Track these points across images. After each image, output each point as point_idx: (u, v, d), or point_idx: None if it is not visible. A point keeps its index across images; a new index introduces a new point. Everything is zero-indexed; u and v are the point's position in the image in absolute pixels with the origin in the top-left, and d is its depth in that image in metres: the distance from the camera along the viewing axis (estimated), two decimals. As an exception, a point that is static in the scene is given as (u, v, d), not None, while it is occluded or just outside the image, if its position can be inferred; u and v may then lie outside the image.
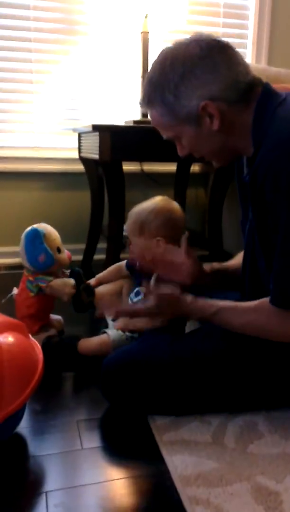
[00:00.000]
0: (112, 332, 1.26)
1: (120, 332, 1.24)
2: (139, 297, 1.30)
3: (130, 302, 1.33)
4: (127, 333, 1.25)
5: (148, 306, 1.07)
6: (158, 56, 0.97)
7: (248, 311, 0.99)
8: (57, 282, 1.33)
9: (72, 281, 1.34)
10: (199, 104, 0.92)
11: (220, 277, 1.22)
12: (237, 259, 1.23)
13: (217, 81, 0.91)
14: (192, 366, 1.05)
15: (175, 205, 1.32)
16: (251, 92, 0.93)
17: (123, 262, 1.44)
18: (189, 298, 1.06)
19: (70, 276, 1.37)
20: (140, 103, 1.04)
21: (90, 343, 1.27)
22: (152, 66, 0.98)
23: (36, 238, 1.32)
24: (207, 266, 1.21)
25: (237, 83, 0.92)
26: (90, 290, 1.37)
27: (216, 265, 1.24)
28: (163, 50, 0.97)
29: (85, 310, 1.35)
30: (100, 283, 1.43)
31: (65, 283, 1.33)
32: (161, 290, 1.08)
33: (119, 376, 1.06)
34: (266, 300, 0.95)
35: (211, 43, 0.93)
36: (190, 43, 0.93)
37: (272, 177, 0.87)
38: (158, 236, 1.24)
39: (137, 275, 1.36)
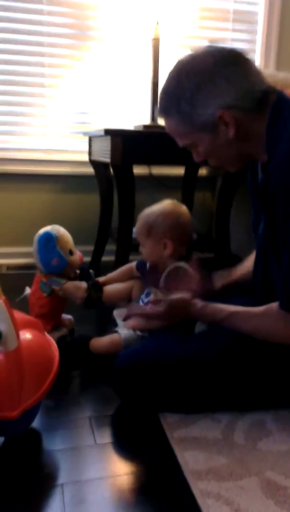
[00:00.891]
0: (123, 331, 1.29)
1: (130, 331, 1.27)
2: (150, 297, 1.33)
3: (140, 302, 1.36)
4: (138, 332, 1.27)
5: (160, 311, 1.09)
6: (173, 68, 1.00)
7: (257, 315, 1.02)
8: (70, 285, 1.36)
9: (84, 284, 1.38)
10: (216, 112, 0.94)
11: (229, 289, 1.26)
12: (246, 265, 1.26)
13: (233, 90, 0.93)
14: (201, 365, 1.07)
15: (184, 208, 1.35)
16: (266, 100, 0.96)
17: (134, 263, 1.47)
18: (199, 303, 1.08)
19: (80, 274, 1.40)
20: (158, 114, 1.06)
21: (101, 342, 1.30)
22: (167, 77, 1.01)
23: (49, 242, 1.34)
24: (217, 283, 1.25)
25: (252, 92, 0.94)
26: (98, 286, 1.40)
27: (225, 281, 1.28)
28: (178, 62, 0.99)
29: (93, 306, 1.39)
30: (110, 282, 1.46)
31: (78, 287, 1.37)
32: (171, 296, 1.11)
33: (130, 374, 1.09)
34: (274, 304, 0.98)
35: (226, 54, 0.95)
36: (205, 54, 0.96)
37: (283, 187, 0.89)
38: (165, 239, 1.28)
39: (147, 276, 1.39)
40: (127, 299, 1.46)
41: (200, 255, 2.10)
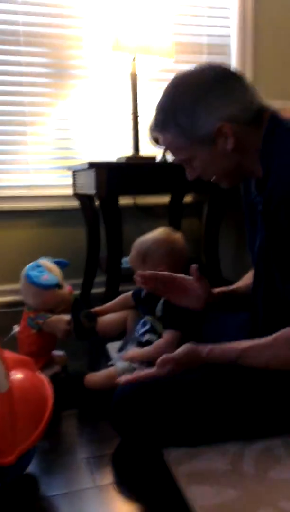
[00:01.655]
0: (120, 363, 1.25)
1: (127, 362, 1.23)
2: (146, 327, 1.29)
3: (136, 334, 1.32)
4: (134, 365, 1.23)
5: (170, 370, 1.01)
6: (170, 83, 1.00)
7: (268, 345, 0.96)
8: (53, 318, 1.33)
9: (66, 317, 1.33)
10: (215, 125, 0.94)
11: (229, 300, 1.22)
12: (245, 281, 1.24)
13: (233, 103, 0.94)
14: (204, 392, 1.03)
15: (177, 235, 1.35)
16: (262, 115, 0.97)
17: (130, 293, 1.45)
18: (205, 349, 1.01)
19: (73, 304, 1.36)
20: (150, 129, 1.05)
21: (97, 377, 1.25)
22: (163, 93, 1.00)
23: (37, 266, 1.34)
24: (215, 290, 1.21)
25: (251, 105, 0.95)
26: (92, 316, 1.35)
27: (224, 289, 1.25)
28: (174, 77, 1.00)
29: (86, 337, 1.32)
30: (105, 312, 1.42)
31: (59, 320, 1.32)
32: (175, 354, 1.02)
33: (130, 404, 1.03)
34: (284, 330, 0.94)
35: (225, 69, 0.97)
36: (205, 68, 0.97)
37: (288, 203, 0.88)
38: (161, 266, 1.26)
39: (143, 305, 1.36)
40: (121, 329, 1.42)
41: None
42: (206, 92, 0.94)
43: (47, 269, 1.35)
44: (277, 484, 0.90)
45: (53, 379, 1.25)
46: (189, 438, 1.03)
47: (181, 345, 1.17)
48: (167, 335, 1.25)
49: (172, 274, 1.18)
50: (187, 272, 1.29)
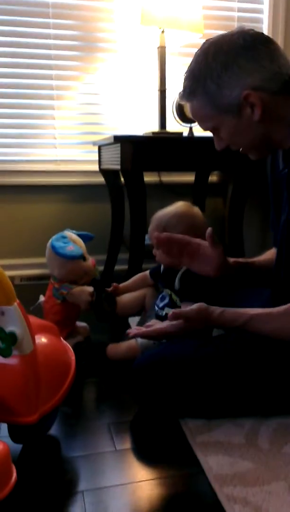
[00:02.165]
0: (140, 341, 1.26)
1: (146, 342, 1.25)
2: (165, 301, 1.31)
3: (156, 308, 1.33)
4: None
5: (179, 326, 1.04)
6: (201, 48, 0.99)
7: (278, 315, 0.99)
8: (76, 289, 1.35)
9: (90, 288, 1.35)
10: (241, 93, 0.93)
11: (245, 272, 1.22)
12: (266, 256, 1.23)
13: (260, 71, 0.92)
14: (220, 366, 1.05)
15: (197, 210, 1.34)
16: None
17: (147, 272, 1.46)
18: (217, 310, 1.04)
19: (90, 284, 1.38)
20: (179, 96, 1.04)
21: (118, 348, 1.28)
22: (194, 57, 0.99)
23: (62, 238, 1.36)
24: (231, 259, 1.20)
25: (280, 74, 0.93)
26: (112, 298, 1.37)
27: (241, 260, 1.25)
28: (206, 41, 0.99)
29: (107, 319, 1.36)
30: (123, 291, 1.44)
31: (83, 290, 1.35)
32: (187, 308, 1.06)
33: (149, 374, 1.06)
34: None
35: (255, 35, 0.95)
36: (235, 34, 0.95)
37: None
38: None
39: (161, 281, 1.37)
40: (139, 307, 1.43)
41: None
42: (234, 59, 0.92)
43: (72, 241, 1.37)
44: (292, 458, 0.91)
45: (76, 347, 1.29)
46: (205, 410, 1.05)
47: None
48: (184, 307, 1.25)
49: (188, 237, 1.17)
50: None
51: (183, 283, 1.27)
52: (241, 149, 1.03)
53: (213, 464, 0.90)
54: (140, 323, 1.39)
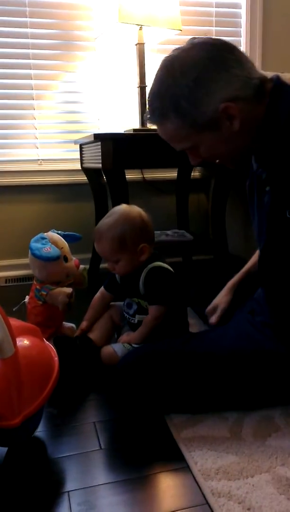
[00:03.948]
0: (117, 346, 1.25)
1: (125, 344, 1.24)
2: (133, 308, 1.28)
3: (127, 316, 1.31)
4: (134, 345, 1.24)
5: None
6: (161, 67, 0.93)
7: None
8: (54, 291, 1.33)
9: (68, 290, 1.33)
10: (219, 107, 0.88)
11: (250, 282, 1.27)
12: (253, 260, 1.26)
13: (233, 81, 0.88)
14: (204, 361, 1.06)
15: (137, 208, 1.29)
16: (263, 87, 0.91)
17: (102, 290, 1.39)
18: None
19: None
20: (147, 119, 0.98)
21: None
22: (156, 79, 0.93)
23: (42, 238, 1.35)
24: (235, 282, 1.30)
25: (251, 79, 0.89)
26: (86, 339, 1.30)
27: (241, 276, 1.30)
28: (165, 60, 0.93)
29: (95, 359, 1.26)
30: (91, 324, 1.36)
31: (60, 292, 1.33)
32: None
33: (134, 370, 1.06)
34: None
35: (215, 44, 0.90)
36: (194, 47, 0.90)
37: None
38: (141, 244, 1.23)
39: (122, 291, 1.34)
40: (114, 329, 1.39)
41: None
42: (204, 73, 0.87)
43: (52, 242, 1.36)
44: (275, 451, 0.93)
45: (56, 338, 1.27)
46: (190, 404, 1.06)
47: (167, 318, 1.22)
48: (152, 310, 1.23)
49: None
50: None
51: (147, 288, 1.23)
52: (218, 161, 1.00)
53: (198, 458, 0.91)
54: (118, 335, 1.35)
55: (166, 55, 0.94)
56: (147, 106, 0.98)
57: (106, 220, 1.26)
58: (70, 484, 0.86)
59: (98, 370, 1.24)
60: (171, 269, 1.26)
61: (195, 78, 0.87)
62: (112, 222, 1.24)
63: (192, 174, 2.20)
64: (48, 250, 1.31)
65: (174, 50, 0.93)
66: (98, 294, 1.41)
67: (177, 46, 0.94)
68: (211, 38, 0.93)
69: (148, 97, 0.96)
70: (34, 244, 1.32)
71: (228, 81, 0.88)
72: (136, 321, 1.28)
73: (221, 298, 1.30)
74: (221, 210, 1.96)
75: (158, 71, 0.94)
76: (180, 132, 0.93)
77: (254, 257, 1.29)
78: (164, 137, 0.98)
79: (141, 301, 1.27)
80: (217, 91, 0.88)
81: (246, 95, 0.90)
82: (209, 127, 0.91)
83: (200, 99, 0.88)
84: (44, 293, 1.33)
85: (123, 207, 1.29)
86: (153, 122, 0.97)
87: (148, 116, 0.97)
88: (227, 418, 1.04)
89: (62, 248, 1.38)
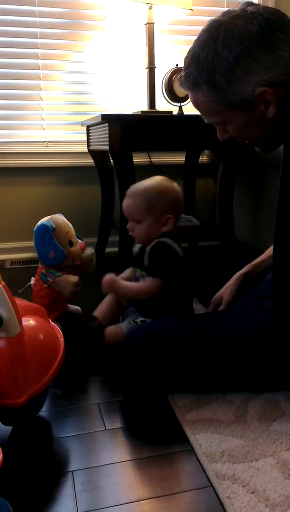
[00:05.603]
0: (123, 324, 1.26)
1: (131, 322, 1.24)
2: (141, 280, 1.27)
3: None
4: (139, 322, 1.24)
5: None
6: (207, 29, 0.85)
7: None
8: (60, 278, 1.32)
9: (74, 278, 1.32)
10: (256, 90, 0.82)
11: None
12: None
13: (278, 65, 0.80)
14: (209, 340, 1.05)
15: (176, 184, 1.31)
16: None
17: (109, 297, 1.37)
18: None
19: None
20: (180, 82, 0.92)
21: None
22: (198, 40, 0.86)
23: (45, 234, 1.30)
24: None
25: None
26: (90, 316, 1.31)
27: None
28: (212, 22, 0.85)
29: (98, 337, 1.26)
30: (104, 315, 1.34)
31: (67, 280, 1.32)
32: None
33: (139, 349, 1.06)
34: None
35: (269, 19, 0.81)
36: (246, 16, 0.81)
37: None
38: (168, 214, 1.24)
39: (135, 263, 1.32)
40: (120, 309, 1.39)
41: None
42: (248, 50, 0.80)
43: (56, 226, 1.32)
44: (280, 436, 0.92)
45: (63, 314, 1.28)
46: (194, 384, 1.06)
47: (170, 301, 1.21)
48: (148, 280, 1.23)
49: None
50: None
51: (150, 260, 1.24)
52: (247, 142, 0.95)
53: (202, 441, 0.91)
54: (124, 315, 1.36)
55: (214, 17, 0.86)
56: (183, 65, 0.91)
57: (145, 181, 1.28)
58: (74, 464, 0.86)
59: (101, 349, 1.24)
60: (179, 250, 1.25)
61: (237, 54, 0.81)
62: (151, 185, 1.26)
63: (200, 158, 2.18)
64: (53, 255, 1.30)
65: (224, 13, 0.85)
66: (108, 298, 1.37)
67: (228, 9, 0.86)
68: (267, 9, 0.83)
69: (186, 57, 0.89)
70: (40, 249, 1.31)
71: (271, 64, 0.81)
72: None
73: (226, 289, 1.28)
74: (228, 195, 1.93)
75: (202, 32, 0.86)
76: (211, 105, 0.88)
77: (268, 251, 1.26)
78: (194, 105, 0.93)
79: (144, 274, 1.26)
80: (258, 72, 0.81)
81: (288, 82, 0.82)
82: (242, 107, 0.86)
83: (237, 77, 0.82)
84: (50, 279, 1.32)
85: (161, 177, 1.30)
86: (184, 87, 0.92)
87: (182, 79, 0.91)
88: (232, 402, 1.03)
89: (67, 232, 1.36)
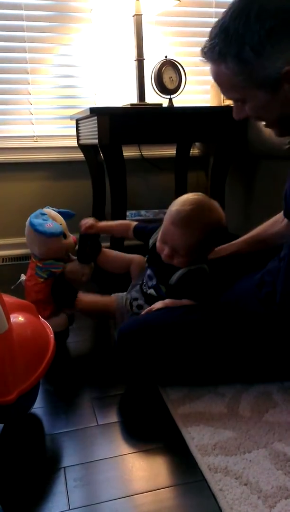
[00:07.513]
0: (117, 295, 1.28)
1: (127, 303, 1.26)
2: (153, 282, 1.24)
3: (145, 289, 1.28)
4: (135, 307, 1.25)
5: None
6: (241, 0, 0.81)
7: None
8: (75, 266, 1.35)
9: (86, 269, 1.36)
10: (283, 68, 0.79)
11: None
12: (268, 227, 1.23)
13: None
14: (205, 332, 1.05)
15: (222, 212, 1.17)
16: None
17: (133, 224, 1.34)
18: None
19: (80, 240, 1.37)
20: (203, 52, 0.87)
21: (90, 298, 1.30)
22: (229, 10, 0.82)
23: (41, 214, 1.33)
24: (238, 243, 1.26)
25: None
26: (97, 244, 1.37)
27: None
28: None
29: (87, 261, 1.37)
30: (106, 229, 1.41)
31: (80, 271, 1.35)
32: None
33: (135, 339, 1.06)
34: None
35: None
36: None
37: None
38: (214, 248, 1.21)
39: (149, 259, 1.30)
40: (121, 271, 1.39)
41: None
42: (282, 26, 0.77)
43: (51, 218, 1.34)
44: (273, 427, 0.92)
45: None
46: (189, 376, 1.06)
47: None
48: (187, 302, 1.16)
49: None
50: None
51: (182, 283, 1.17)
52: (264, 124, 0.93)
53: (195, 434, 0.90)
54: (128, 293, 1.36)
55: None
56: (209, 36, 0.85)
57: (204, 212, 1.10)
58: (66, 460, 0.85)
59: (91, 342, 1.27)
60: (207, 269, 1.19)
61: (269, 28, 0.77)
62: (207, 221, 1.10)
63: (191, 151, 2.16)
64: (51, 226, 1.29)
65: None
66: (127, 222, 1.36)
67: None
68: None
69: (213, 27, 0.84)
70: (36, 220, 1.30)
71: None
72: (148, 291, 1.26)
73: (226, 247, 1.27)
74: (220, 188, 1.92)
75: (235, 3, 0.82)
76: (233, 80, 0.85)
77: (268, 226, 1.24)
78: (215, 79, 0.89)
79: (162, 286, 1.22)
80: (288, 50, 0.78)
81: None
82: (266, 85, 0.82)
83: (267, 53, 0.79)
84: (58, 270, 1.32)
85: (219, 209, 1.15)
86: (207, 59, 0.87)
87: (205, 50, 0.86)
88: (224, 394, 1.03)
89: (60, 224, 1.35)
